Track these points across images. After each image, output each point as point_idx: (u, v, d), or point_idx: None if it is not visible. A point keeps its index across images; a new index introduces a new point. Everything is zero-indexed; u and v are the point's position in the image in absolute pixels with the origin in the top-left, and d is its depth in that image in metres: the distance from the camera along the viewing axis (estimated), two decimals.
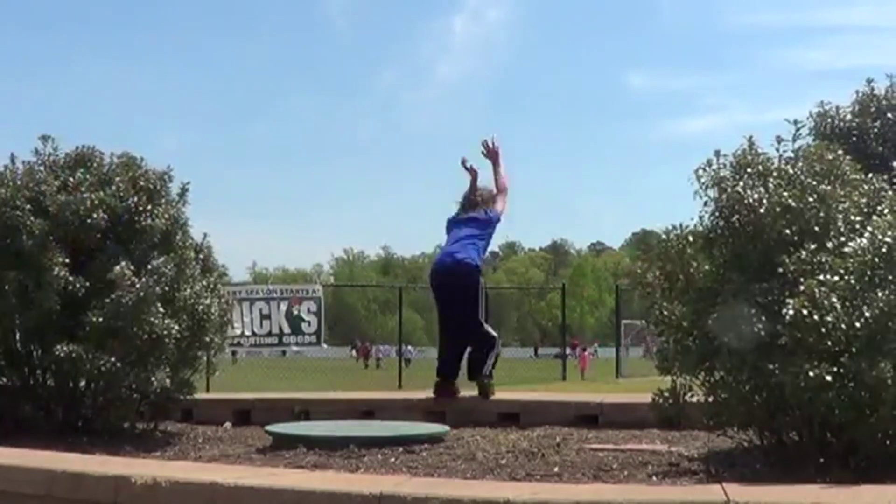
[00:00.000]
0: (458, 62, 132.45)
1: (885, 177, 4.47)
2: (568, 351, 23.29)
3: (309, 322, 15.30)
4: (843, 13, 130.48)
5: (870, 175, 4.33)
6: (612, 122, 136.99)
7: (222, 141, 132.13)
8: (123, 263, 5.79)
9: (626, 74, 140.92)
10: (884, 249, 3.75)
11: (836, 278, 3.73)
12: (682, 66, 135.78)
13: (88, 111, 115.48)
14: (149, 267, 5.90)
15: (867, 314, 3.64)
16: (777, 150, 4.36)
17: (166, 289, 5.93)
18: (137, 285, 5.71)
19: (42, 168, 6.36)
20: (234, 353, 19.75)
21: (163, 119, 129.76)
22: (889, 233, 3.80)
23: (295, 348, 17.64)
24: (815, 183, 4.07)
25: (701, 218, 4.27)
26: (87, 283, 5.90)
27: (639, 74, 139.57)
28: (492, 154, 7.17)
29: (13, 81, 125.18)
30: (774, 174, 4.16)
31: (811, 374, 3.57)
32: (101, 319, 5.71)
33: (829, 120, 6.26)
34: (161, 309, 5.82)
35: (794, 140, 4.36)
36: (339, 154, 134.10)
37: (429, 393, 6.93)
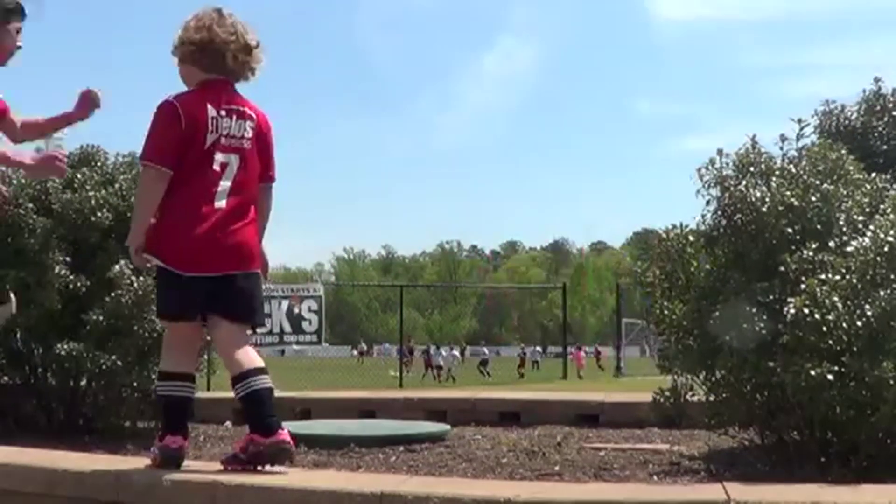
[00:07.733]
0: (485, 90, 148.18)
1: (889, 176, 4.46)
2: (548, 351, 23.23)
3: (310, 321, 15.29)
4: (826, 53, 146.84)
5: (873, 174, 4.32)
6: (619, 141, 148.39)
7: None
8: (123, 262, 5.78)
9: (635, 101, 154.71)
10: (886, 248, 3.74)
11: (838, 277, 3.72)
12: (683, 95, 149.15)
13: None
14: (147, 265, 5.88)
15: (869, 313, 3.64)
16: (781, 148, 4.35)
17: None
18: (135, 284, 5.70)
19: None
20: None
21: None
22: (891, 232, 3.78)
23: (296, 347, 17.60)
24: (817, 182, 4.06)
25: (703, 217, 4.27)
26: (89, 282, 5.90)
27: (646, 101, 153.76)
28: None
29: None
30: (777, 173, 4.15)
31: (812, 373, 3.57)
32: (101, 318, 5.71)
33: (834, 118, 6.23)
34: None
35: (798, 139, 4.36)
36: (361, 166, 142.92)
37: (430, 392, 6.91)
